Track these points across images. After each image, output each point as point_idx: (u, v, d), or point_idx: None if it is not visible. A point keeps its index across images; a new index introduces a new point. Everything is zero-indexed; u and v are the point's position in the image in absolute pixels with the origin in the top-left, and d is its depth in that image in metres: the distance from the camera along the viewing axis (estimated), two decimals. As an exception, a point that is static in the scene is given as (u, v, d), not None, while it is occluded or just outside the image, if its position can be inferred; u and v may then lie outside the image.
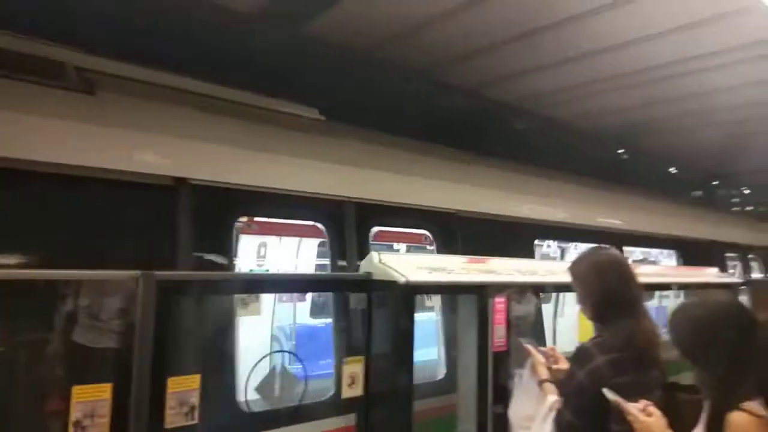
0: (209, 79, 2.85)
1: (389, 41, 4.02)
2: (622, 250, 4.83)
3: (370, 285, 2.36)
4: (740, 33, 3.60)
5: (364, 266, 2.46)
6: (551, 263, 3.79)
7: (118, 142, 2.33)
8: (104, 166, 2.25)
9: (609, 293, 1.92)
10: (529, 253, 4.02)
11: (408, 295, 2.27)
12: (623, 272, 1.95)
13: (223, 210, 2.52)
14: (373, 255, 2.40)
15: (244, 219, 3.05)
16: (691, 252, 5.66)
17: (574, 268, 2.03)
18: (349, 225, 2.85)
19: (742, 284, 4.35)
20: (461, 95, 5.09)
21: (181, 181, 2.40)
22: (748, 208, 10.04)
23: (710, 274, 3.92)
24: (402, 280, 2.22)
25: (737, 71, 4.37)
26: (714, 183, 9.08)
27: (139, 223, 2.31)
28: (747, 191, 9.80)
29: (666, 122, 6.12)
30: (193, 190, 2.42)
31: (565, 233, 4.52)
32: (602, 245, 2.29)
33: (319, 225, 2.90)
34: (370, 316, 2.36)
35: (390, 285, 2.24)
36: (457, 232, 3.40)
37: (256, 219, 3.48)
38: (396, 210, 3.18)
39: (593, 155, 6.91)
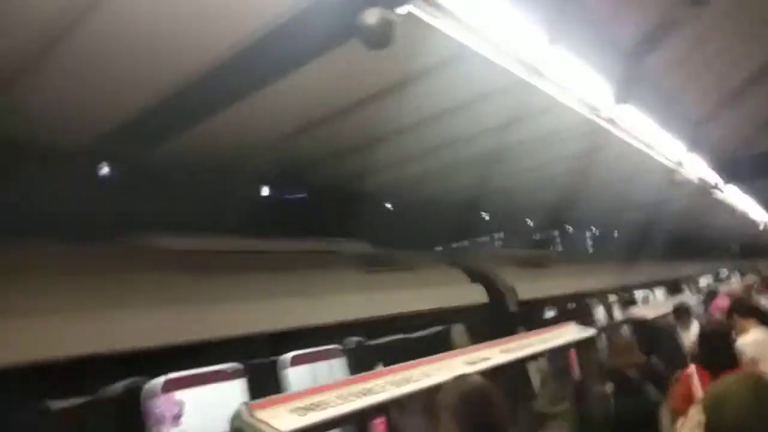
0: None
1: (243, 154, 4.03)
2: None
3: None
4: (546, 126, 4.29)
5: (233, 422, 2.27)
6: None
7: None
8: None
9: (478, 427, 1.91)
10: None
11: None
12: (489, 403, 1.98)
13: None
14: (242, 409, 2.24)
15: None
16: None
17: (442, 398, 2.03)
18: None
19: (600, 332, 4.74)
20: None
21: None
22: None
23: (570, 331, 4.20)
24: (278, 434, 2.10)
25: (552, 150, 5.15)
26: (567, 228, 10.24)
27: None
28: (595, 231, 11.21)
29: (512, 189, 6.87)
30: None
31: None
32: (468, 373, 2.30)
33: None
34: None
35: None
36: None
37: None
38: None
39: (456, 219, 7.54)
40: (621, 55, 3.70)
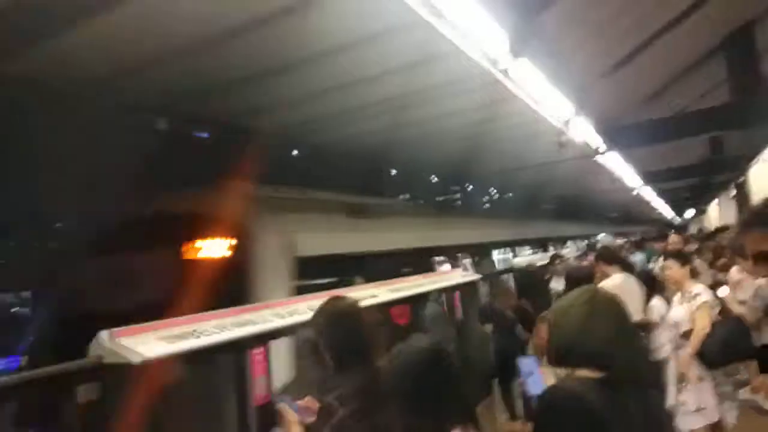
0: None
1: (122, 76, 3.64)
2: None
3: (101, 372, 2.05)
4: (450, 72, 4.29)
5: (93, 349, 2.13)
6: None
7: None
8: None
9: (347, 342, 1.98)
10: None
11: (150, 378, 2.03)
12: (360, 321, 2.04)
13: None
14: (103, 335, 2.10)
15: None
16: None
17: (313, 320, 2.08)
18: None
19: (483, 279, 5.06)
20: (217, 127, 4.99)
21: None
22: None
23: (456, 275, 4.45)
24: (138, 359, 1.99)
25: (456, 100, 5.21)
26: (467, 186, 10.64)
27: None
28: (493, 191, 11.76)
29: (417, 140, 6.93)
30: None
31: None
32: (339, 295, 2.33)
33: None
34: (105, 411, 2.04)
35: (123, 369, 1.99)
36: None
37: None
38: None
39: (362, 173, 7.56)
40: (518, 7, 3.77)
